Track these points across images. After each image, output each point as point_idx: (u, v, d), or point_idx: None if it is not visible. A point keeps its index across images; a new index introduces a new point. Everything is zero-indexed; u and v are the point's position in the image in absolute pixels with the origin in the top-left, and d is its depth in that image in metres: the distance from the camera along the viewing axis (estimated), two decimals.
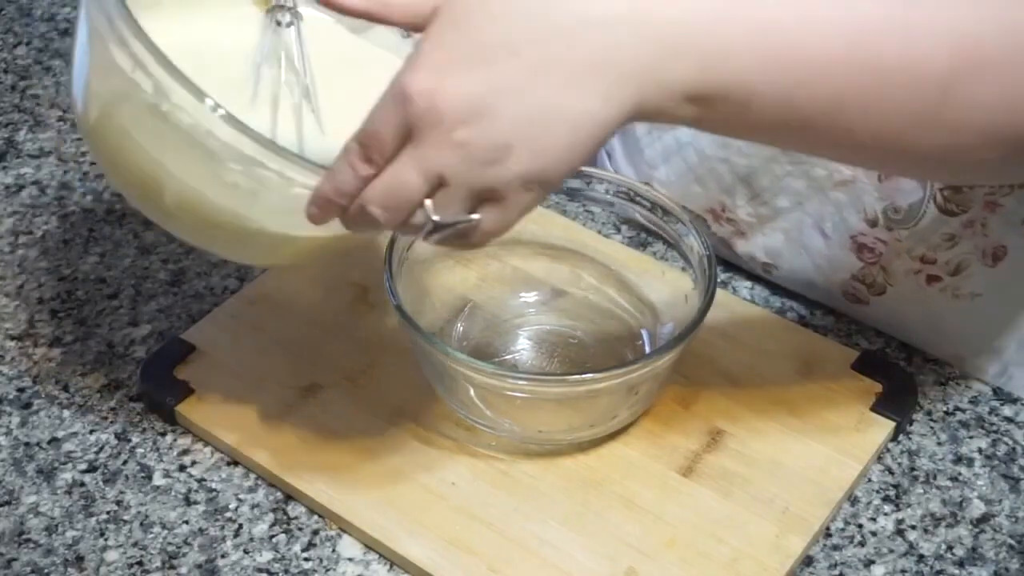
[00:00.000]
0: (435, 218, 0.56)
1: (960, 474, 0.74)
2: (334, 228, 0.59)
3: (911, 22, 0.54)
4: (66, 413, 0.78)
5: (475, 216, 0.56)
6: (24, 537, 0.71)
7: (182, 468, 0.75)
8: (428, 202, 0.55)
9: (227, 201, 0.62)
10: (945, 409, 0.78)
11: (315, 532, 0.71)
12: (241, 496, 0.73)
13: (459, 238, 0.57)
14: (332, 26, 0.74)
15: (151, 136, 0.62)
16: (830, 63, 0.54)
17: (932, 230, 0.75)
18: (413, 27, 0.58)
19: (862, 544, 0.71)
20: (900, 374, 0.79)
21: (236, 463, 0.75)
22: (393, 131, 0.54)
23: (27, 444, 0.76)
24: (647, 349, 0.79)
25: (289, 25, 0.71)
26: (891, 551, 0.70)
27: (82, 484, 0.74)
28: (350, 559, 0.70)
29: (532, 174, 0.54)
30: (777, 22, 0.54)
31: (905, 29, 0.54)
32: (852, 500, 0.73)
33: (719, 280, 0.85)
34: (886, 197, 0.76)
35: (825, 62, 0.54)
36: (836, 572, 0.69)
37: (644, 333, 0.80)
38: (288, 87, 0.72)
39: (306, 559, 0.70)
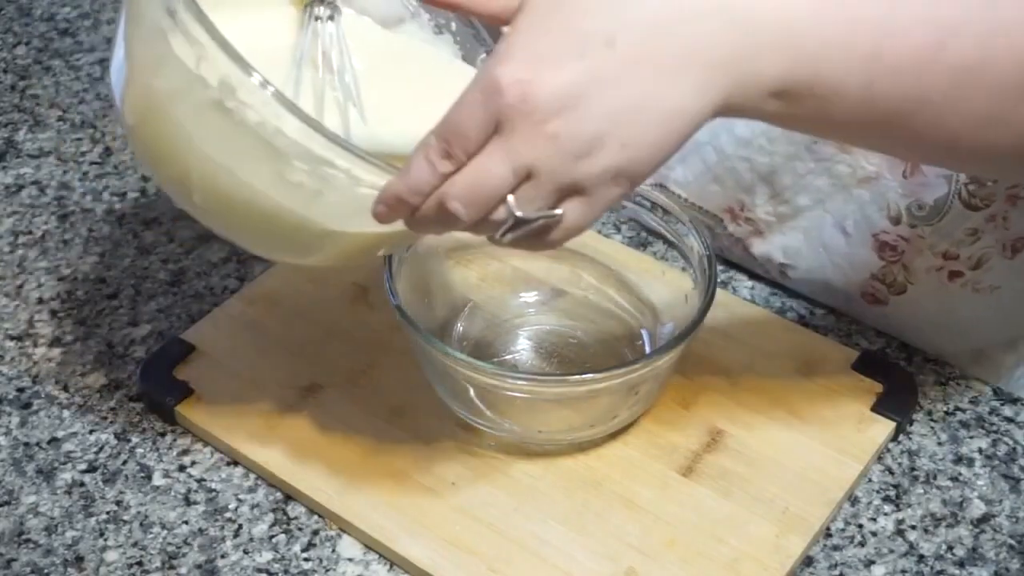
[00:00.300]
0: (518, 213, 0.54)
1: (960, 474, 0.74)
2: (395, 226, 0.58)
3: (993, 23, 0.55)
4: (66, 413, 0.78)
5: (558, 211, 0.55)
6: (24, 537, 0.71)
7: (182, 468, 0.75)
8: (511, 197, 0.54)
9: (287, 200, 0.60)
10: (945, 409, 0.78)
11: (315, 532, 0.71)
12: (241, 496, 0.73)
13: (536, 236, 0.56)
14: (365, 21, 0.72)
15: (210, 133, 0.60)
16: (915, 62, 0.55)
17: (956, 225, 0.75)
18: (499, 20, 0.57)
19: (862, 544, 0.71)
20: (900, 374, 0.79)
21: (236, 463, 0.75)
22: (480, 125, 0.53)
23: (27, 444, 0.76)
24: (647, 349, 0.79)
25: (329, 19, 0.69)
26: (891, 551, 0.70)
27: (82, 484, 0.74)
28: (350, 559, 0.70)
29: (622, 167, 0.54)
30: (867, 20, 0.54)
31: (988, 30, 0.55)
32: (852, 500, 0.73)
33: (719, 280, 0.85)
34: (911, 193, 0.76)
35: (911, 61, 0.55)
36: (836, 572, 0.69)
37: (644, 333, 0.80)
38: (330, 84, 0.71)
39: (306, 559, 0.70)
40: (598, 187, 0.54)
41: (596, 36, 0.52)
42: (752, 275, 0.88)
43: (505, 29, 0.55)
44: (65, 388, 0.80)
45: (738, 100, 0.55)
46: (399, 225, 0.58)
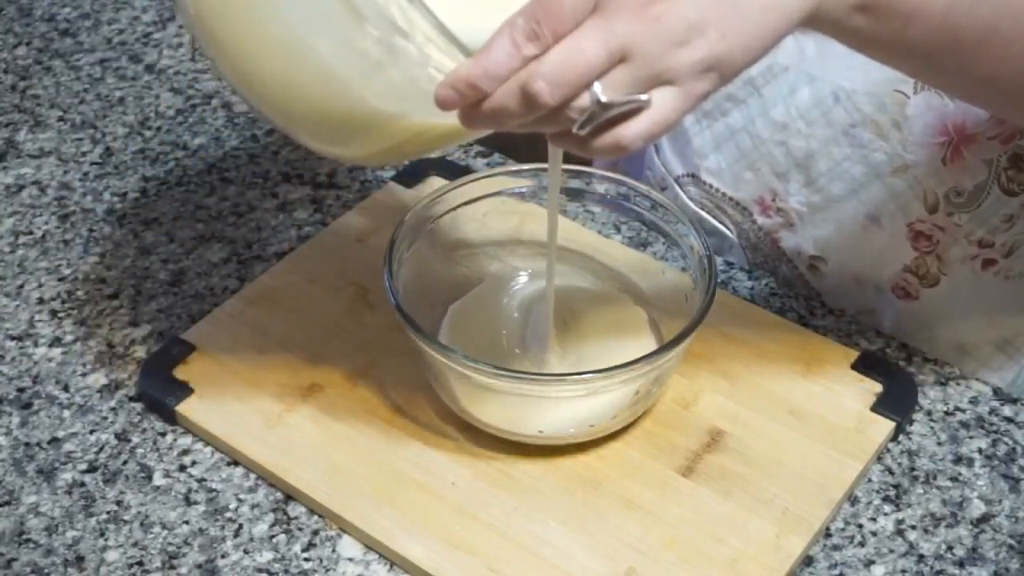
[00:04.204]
0: (603, 98, 0.52)
1: (960, 474, 0.74)
2: (445, 119, 0.55)
3: None
4: (66, 413, 0.78)
5: (645, 96, 0.52)
6: (24, 537, 0.71)
7: (182, 468, 0.75)
8: (597, 82, 0.52)
9: (346, 68, 0.57)
10: (945, 409, 0.78)
11: (315, 532, 0.71)
12: (241, 496, 0.73)
13: (614, 137, 0.53)
14: None
15: None
16: None
17: (993, 211, 0.75)
18: None
19: (862, 544, 0.71)
20: (900, 374, 0.79)
21: (236, 463, 0.75)
22: (577, 2, 0.51)
23: (27, 444, 0.76)
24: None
25: None
26: (891, 551, 0.70)
27: (82, 484, 0.74)
28: (350, 559, 0.70)
29: (718, 58, 0.53)
30: None
31: None
32: (852, 500, 0.73)
33: (719, 280, 0.85)
34: (949, 180, 0.76)
35: None
36: (836, 572, 0.69)
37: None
38: None
39: (306, 559, 0.70)
40: (689, 78, 0.53)
41: None
42: (753, 275, 0.88)
43: None
44: (65, 388, 0.80)
45: (827, 8, 0.55)
46: (450, 118, 0.55)
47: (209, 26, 0.63)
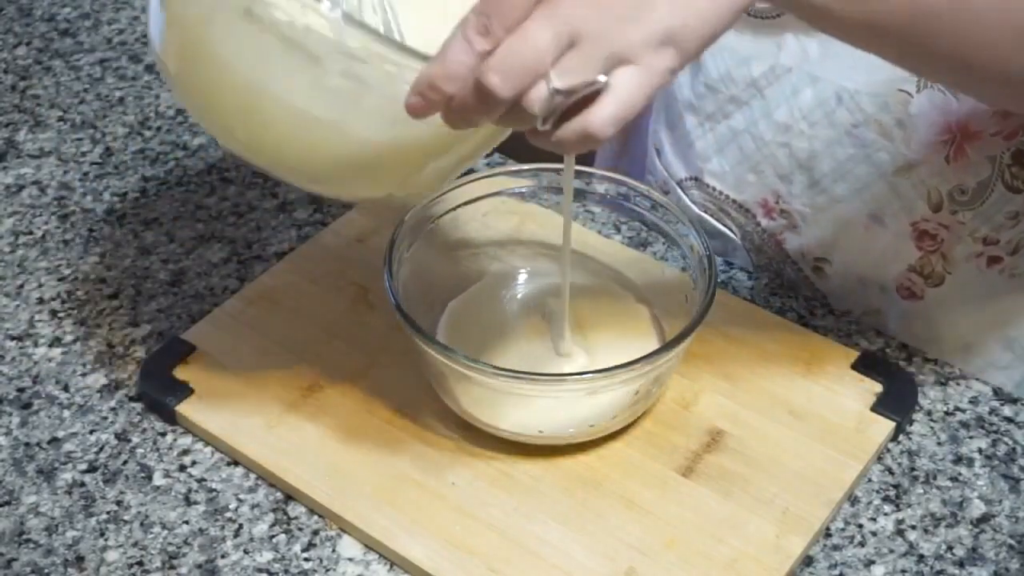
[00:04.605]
0: (557, 84, 0.51)
1: (960, 474, 0.74)
2: (439, 130, 0.56)
3: None
4: (66, 413, 0.78)
5: (603, 78, 0.51)
6: (24, 537, 0.71)
7: (182, 468, 0.75)
8: (551, 71, 0.51)
9: (327, 111, 0.58)
10: (945, 409, 0.78)
11: (315, 532, 0.71)
12: (241, 496, 0.73)
13: (581, 124, 0.52)
14: None
15: (244, 49, 0.58)
16: None
17: (997, 209, 0.75)
18: None
19: (862, 544, 0.71)
20: (900, 374, 0.79)
21: (236, 463, 0.75)
22: None
23: (27, 444, 0.76)
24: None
25: None
26: (891, 551, 0.70)
27: (82, 484, 0.74)
28: (350, 559, 0.70)
29: (671, 31, 0.51)
30: None
31: None
32: (852, 500, 0.73)
33: (719, 280, 0.85)
34: (953, 178, 0.76)
35: None
36: (836, 572, 0.69)
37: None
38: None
39: (306, 559, 0.70)
40: (646, 54, 0.52)
41: None
42: (752, 276, 0.88)
43: None
44: (65, 388, 0.80)
45: None
46: (442, 128, 0.55)
47: (188, 88, 0.65)
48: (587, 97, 0.52)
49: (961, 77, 0.66)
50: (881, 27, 0.59)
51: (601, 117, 0.52)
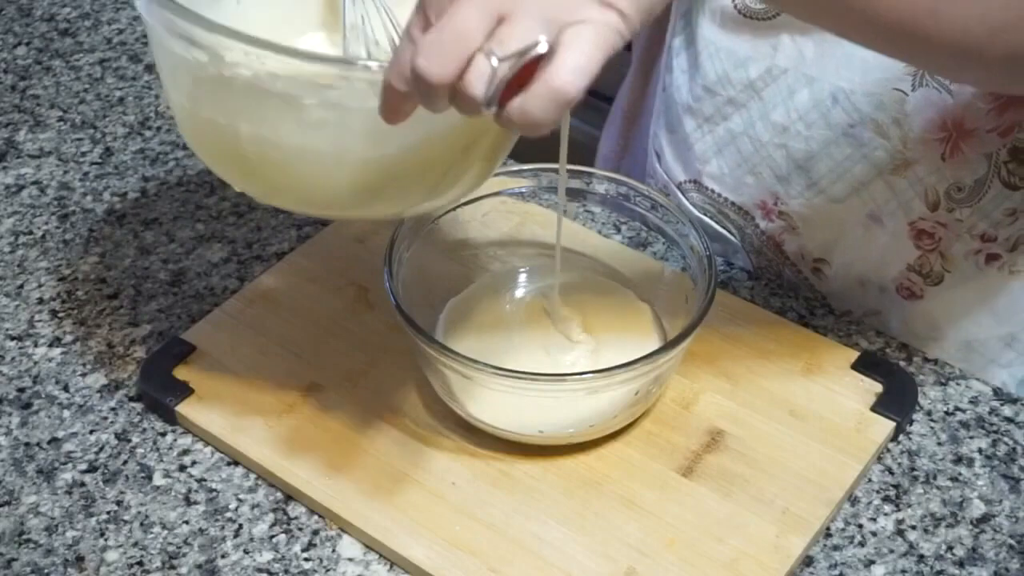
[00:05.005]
0: (497, 53, 0.48)
1: (960, 474, 0.74)
2: (430, 128, 0.56)
3: None
4: (66, 413, 0.78)
5: (539, 39, 0.48)
6: (24, 537, 0.71)
7: (182, 468, 0.75)
8: (487, 44, 0.49)
9: (322, 144, 0.59)
10: (945, 409, 0.78)
11: (315, 532, 0.71)
12: (241, 496, 0.73)
13: (545, 87, 0.49)
14: None
15: (231, 111, 0.61)
16: None
17: (995, 205, 0.75)
18: None
19: (862, 544, 0.71)
20: (900, 374, 0.79)
21: (236, 463, 0.75)
22: None
23: (27, 444, 0.76)
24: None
25: None
26: (891, 551, 0.70)
27: (82, 484, 0.74)
28: (350, 559, 0.70)
29: None
30: None
31: None
32: (852, 500, 0.73)
33: (719, 280, 0.85)
34: (950, 176, 0.76)
35: None
36: (836, 572, 0.69)
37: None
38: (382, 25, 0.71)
39: (306, 559, 0.70)
40: (588, 11, 0.49)
41: None
42: (752, 276, 0.88)
43: None
44: (65, 388, 0.80)
45: None
46: (432, 125, 0.55)
47: (202, 149, 0.68)
48: (534, 68, 0.49)
49: (895, 38, 0.63)
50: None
51: (565, 69, 0.49)
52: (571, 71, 0.49)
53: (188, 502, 0.73)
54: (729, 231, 0.89)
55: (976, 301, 0.80)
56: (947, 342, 0.82)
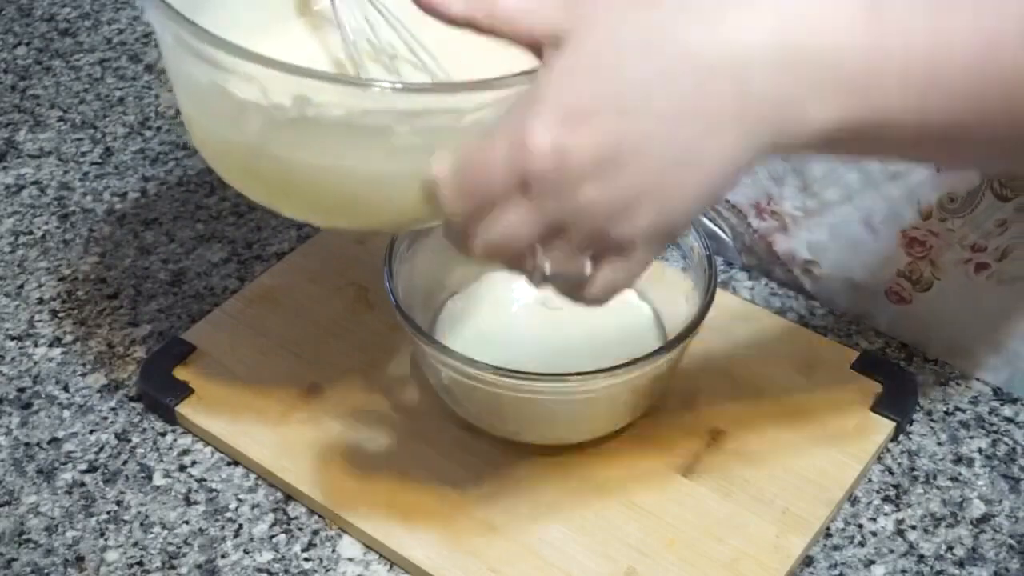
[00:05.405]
0: (545, 269, 0.53)
1: (960, 474, 0.74)
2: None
3: None
4: (66, 413, 0.78)
5: (587, 271, 0.53)
6: (24, 537, 0.71)
7: (182, 468, 0.75)
8: (540, 252, 0.52)
9: (411, 167, 0.58)
10: (945, 409, 0.78)
11: (315, 532, 0.71)
12: (241, 496, 0.73)
13: (575, 289, 0.54)
14: None
15: (309, 150, 0.59)
16: (967, 81, 0.52)
17: (986, 216, 0.75)
18: (524, 43, 0.53)
19: (862, 544, 0.71)
20: (900, 374, 0.79)
21: (236, 463, 0.75)
22: (503, 179, 0.50)
23: (27, 444, 0.76)
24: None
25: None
26: (891, 551, 0.70)
27: (82, 484, 0.74)
28: (350, 559, 0.70)
29: (659, 227, 0.51)
30: (917, 44, 0.51)
31: None
32: (852, 500, 0.73)
33: (719, 280, 0.85)
34: (943, 186, 0.76)
35: (963, 81, 0.52)
36: (836, 572, 0.69)
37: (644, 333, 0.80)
38: (391, 52, 0.70)
39: (306, 559, 0.70)
40: (633, 247, 0.52)
41: (636, 89, 0.49)
42: (752, 276, 0.88)
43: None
44: (65, 388, 0.80)
45: (785, 143, 0.51)
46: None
47: (250, 188, 0.66)
48: None
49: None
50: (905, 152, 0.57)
51: (593, 294, 0.54)
52: (602, 290, 0.54)
53: (188, 502, 0.73)
54: (722, 229, 0.89)
55: (964, 308, 0.80)
56: (933, 347, 0.82)
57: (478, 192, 0.51)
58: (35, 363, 0.82)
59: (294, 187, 0.62)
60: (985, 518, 0.72)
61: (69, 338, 0.83)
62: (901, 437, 0.76)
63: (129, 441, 0.76)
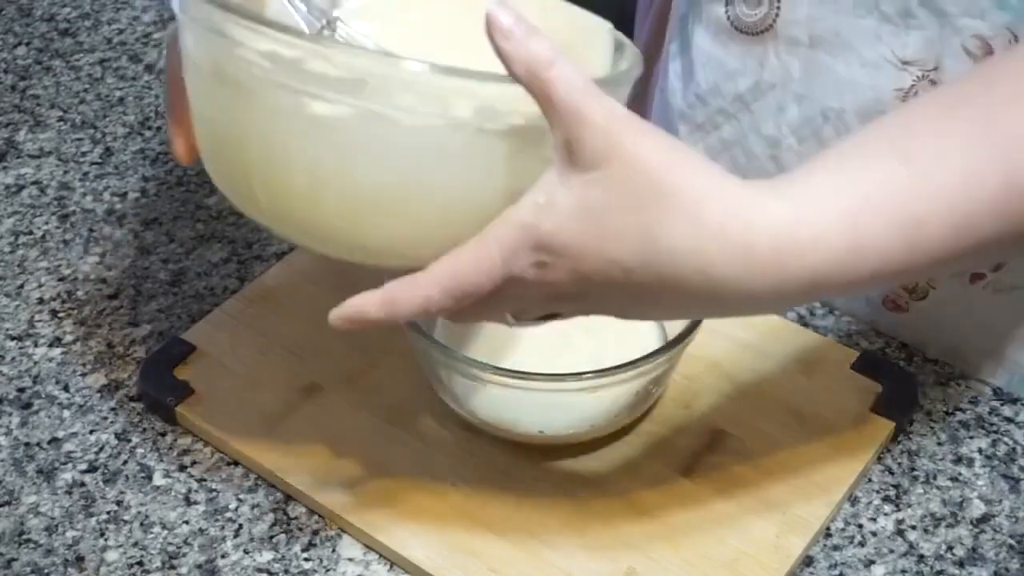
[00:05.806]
0: (513, 326, 0.60)
1: (960, 474, 0.74)
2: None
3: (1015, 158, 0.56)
4: (66, 413, 0.78)
5: (556, 315, 0.60)
6: (24, 537, 0.71)
7: (182, 468, 0.75)
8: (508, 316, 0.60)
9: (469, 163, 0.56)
10: (945, 409, 0.78)
11: (315, 532, 0.71)
12: (241, 496, 0.73)
13: (543, 321, 0.61)
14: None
15: (360, 148, 0.56)
16: (954, 226, 0.56)
17: None
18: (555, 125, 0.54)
19: (862, 544, 0.71)
20: (900, 374, 0.79)
21: (236, 463, 0.75)
22: (491, 285, 0.55)
23: (27, 444, 0.76)
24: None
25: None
26: (891, 551, 0.70)
27: (82, 484, 0.74)
28: (350, 559, 0.70)
29: (623, 308, 0.59)
30: (889, 250, 0.56)
31: (1012, 166, 0.56)
32: (852, 500, 0.73)
33: None
34: None
35: (939, 248, 0.56)
36: (836, 572, 0.69)
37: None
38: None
39: (306, 559, 0.70)
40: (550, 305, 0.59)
41: (620, 270, 0.54)
42: None
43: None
44: (65, 388, 0.80)
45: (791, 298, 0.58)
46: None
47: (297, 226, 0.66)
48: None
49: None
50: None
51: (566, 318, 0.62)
52: (568, 319, 0.62)
53: (188, 502, 0.73)
54: None
55: (960, 317, 0.80)
56: (929, 354, 0.82)
57: (468, 300, 0.56)
58: (35, 363, 0.82)
59: (351, 211, 0.61)
60: (985, 518, 0.72)
61: (69, 338, 0.83)
62: (901, 437, 0.76)
63: (129, 441, 0.76)
